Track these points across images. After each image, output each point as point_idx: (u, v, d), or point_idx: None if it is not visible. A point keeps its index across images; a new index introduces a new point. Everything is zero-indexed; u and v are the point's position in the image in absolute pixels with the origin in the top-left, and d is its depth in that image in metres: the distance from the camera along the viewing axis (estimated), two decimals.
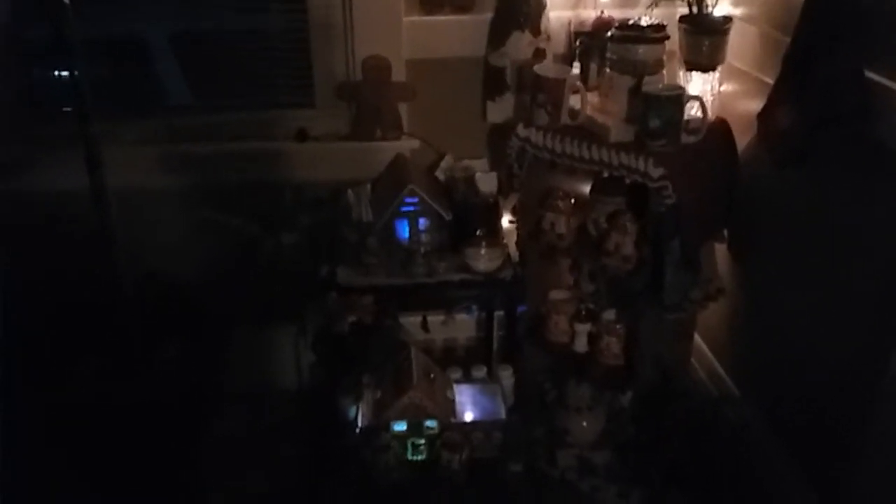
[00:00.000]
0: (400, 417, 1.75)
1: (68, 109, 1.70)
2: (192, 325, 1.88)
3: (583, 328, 2.01)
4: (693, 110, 1.70)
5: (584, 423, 2.01)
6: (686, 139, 1.67)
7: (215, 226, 1.88)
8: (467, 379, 1.95)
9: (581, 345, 2.03)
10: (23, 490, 1.62)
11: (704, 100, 1.68)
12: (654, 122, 1.64)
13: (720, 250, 1.97)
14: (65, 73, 1.67)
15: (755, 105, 1.80)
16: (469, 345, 2.38)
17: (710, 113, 1.71)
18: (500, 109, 2.04)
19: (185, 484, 1.87)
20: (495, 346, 2.26)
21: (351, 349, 1.78)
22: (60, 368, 1.85)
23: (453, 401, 1.84)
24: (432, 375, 1.82)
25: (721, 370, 2.10)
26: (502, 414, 1.85)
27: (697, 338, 2.17)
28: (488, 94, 2.04)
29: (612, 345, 1.95)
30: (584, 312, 2.02)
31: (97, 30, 2.02)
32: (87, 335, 1.89)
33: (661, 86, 1.70)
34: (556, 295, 2.07)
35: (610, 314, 1.99)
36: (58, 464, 1.77)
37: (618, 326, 1.94)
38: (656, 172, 1.64)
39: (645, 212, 1.79)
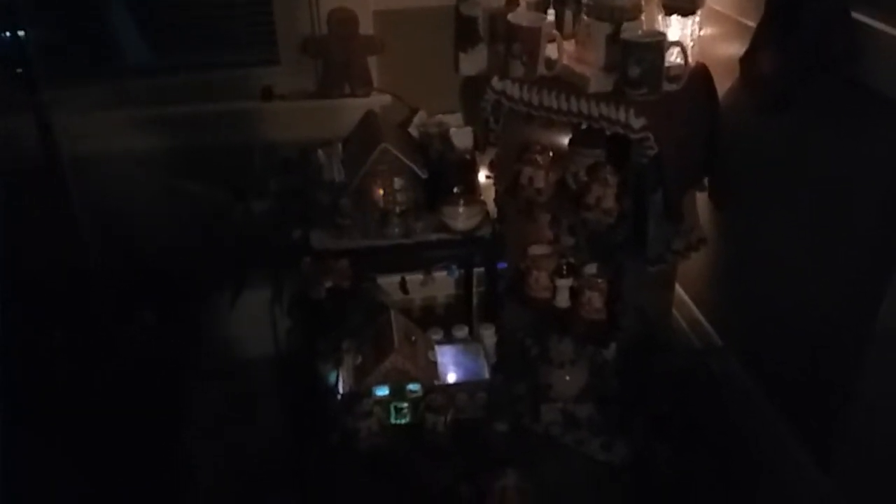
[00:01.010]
0: (382, 382, 1.72)
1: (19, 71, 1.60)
2: (162, 296, 1.81)
3: (564, 283, 1.98)
4: (673, 56, 1.64)
5: (567, 378, 2.00)
6: (667, 87, 1.62)
7: (181, 193, 1.80)
8: (449, 339, 1.91)
9: (563, 300, 2.00)
10: None
11: (685, 45, 1.62)
12: (634, 71, 1.58)
13: (700, 199, 1.93)
14: (12, 34, 1.57)
15: (736, 49, 1.74)
16: (448, 302, 2.34)
17: (690, 58, 1.65)
18: (473, 61, 1.96)
19: (164, 456, 1.84)
20: (475, 302, 2.23)
21: (328, 315, 1.73)
22: (25, 345, 1.78)
23: (435, 363, 1.80)
24: (413, 338, 1.78)
25: (703, 319, 2.09)
26: (486, 374, 1.82)
27: (678, 287, 2.15)
28: (460, 45, 1.96)
29: (594, 299, 1.93)
30: (564, 267, 1.99)
31: None
32: (52, 309, 1.82)
33: (640, 32, 1.64)
34: (536, 250, 2.04)
35: (591, 268, 1.97)
36: (32, 441, 1.72)
37: (599, 281, 1.91)
38: (637, 123, 1.59)
39: (625, 163, 1.74)
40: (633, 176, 1.70)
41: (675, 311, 2.17)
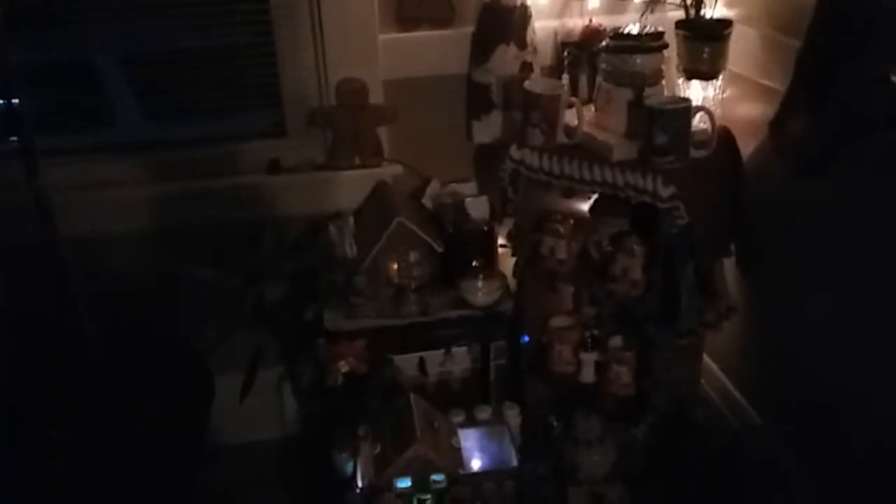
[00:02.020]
0: (404, 474, 1.60)
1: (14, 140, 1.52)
2: (167, 383, 1.71)
3: (589, 357, 1.88)
4: (698, 121, 1.58)
5: (595, 458, 1.88)
6: (694, 153, 1.56)
7: (187, 275, 1.71)
8: (471, 421, 1.80)
9: (588, 375, 1.90)
10: None
11: (711, 110, 1.56)
12: (661, 138, 1.52)
13: (727, 264, 1.86)
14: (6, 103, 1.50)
15: (759, 112, 1.70)
16: (465, 377, 2.23)
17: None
18: (487, 129, 1.90)
19: None
20: (492, 377, 2.12)
21: (344, 399, 1.62)
22: (27, 440, 1.67)
23: (459, 449, 1.69)
24: (436, 424, 1.67)
25: (735, 391, 1.99)
26: (513, 460, 1.70)
27: (706, 358, 2.05)
28: (473, 112, 1.90)
29: (622, 374, 1.84)
30: (589, 340, 1.89)
31: (39, 57, 1.84)
32: (51, 403, 1.71)
33: (664, 98, 1.59)
34: (558, 322, 1.94)
35: (617, 341, 1.87)
36: None
37: (627, 354, 1.82)
38: (666, 192, 1.52)
39: (650, 232, 1.67)
40: (662, 246, 1.62)
41: (703, 383, 2.06)
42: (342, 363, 1.61)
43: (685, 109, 1.51)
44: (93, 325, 1.58)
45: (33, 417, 1.72)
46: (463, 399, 2.01)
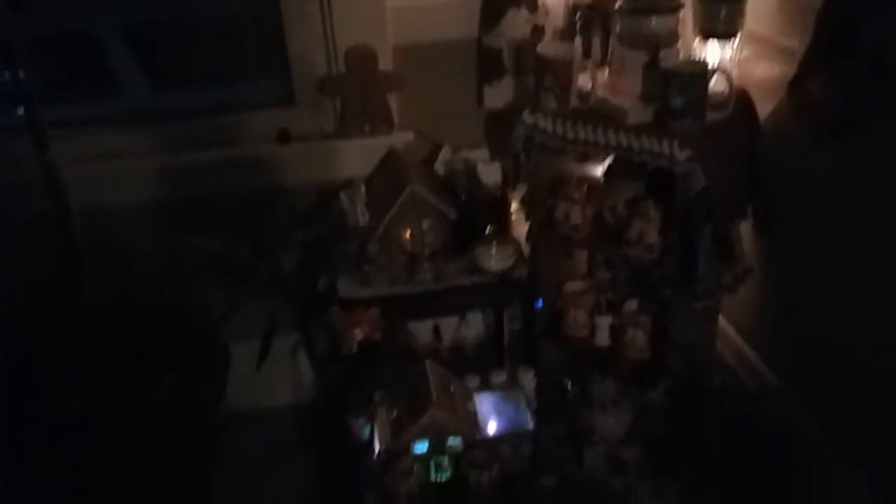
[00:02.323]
0: (421, 437, 1.62)
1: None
2: (183, 355, 1.72)
3: (604, 321, 1.88)
4: (716, 84, 1.55)
5: (611, 420, 1.89)
6: (711, 116, 1.53)
7: (199, 246, 1.70)
8: (486, 386, 1.81)
9: (603, 339, 1.90)
10: None
11: (728, 71, 1.53)
12: (677, 101, 1.49)
13: (744, 228, 1.84)
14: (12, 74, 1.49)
15: (777, 72, 1.66)
16: (479, 342, 2.24)
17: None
18: (498, 94, 1.88)
19: None
20: (507, 341, 2.13)
21: (359, 366, 1.63)
22: (43, 415, 1.69)
23: (475, 413, 1.70)
24: (452, 389, 1.68)
25: (751, 353, 1.98)
26: (529, 423, 1.72)
27: (722, 319, 2.05)
28: (484, 78, 1.88)
29: (638, 338, 1.84)
30: (604, 304, 1.89)
31: (43, 27, 1.82)
32: (67, 374, 1.73)
33: (680, 60, 1.56)
34: (572, 286, 1.94)
35: (632, 304, 1.87)
36: None
37: (642, 318, 1.81)
38: (683, 155, 1.50)
39: (666, 195, 1.65)
40: (679, 210, 1.60)
41: (719, 345, 2.06)
42: (357, 331, 1.61)
43: (701, 71, 1.49)
44: (105, 299, 1.58)
45: (49, 392, 1.73)
46: (477, 364, 2.02)
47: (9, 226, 1.73)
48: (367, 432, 1.72)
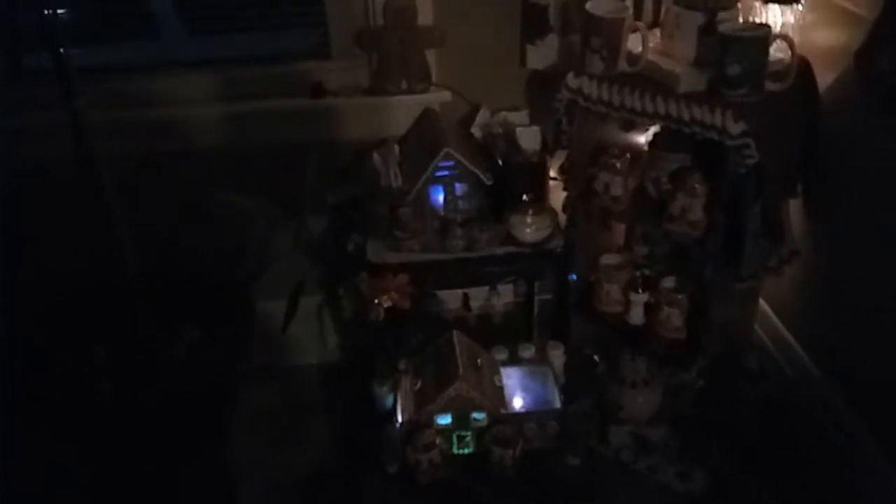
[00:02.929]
0: (445, 411, 1.58)
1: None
2: (209, 308, 1.69)
3: (639, 298, 1.81)
4: (776, 51, 1.45)
5: (640, 399, 1.83)
6: (770, 86, 1.43)
7: (231, 204, 1.66)
8: (514, 360, 1.76)
9: (637, 316, 1.84)
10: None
11: (791, 39, 1.43)
12: (734, 69, 1.39)
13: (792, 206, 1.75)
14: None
15: (843, 41, 1.55)
16: (507, 311, 2.18)
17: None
18: (542, 54, 1.79)
19: (209, 476, 1.72)
20: (536, 311, 2.07)
21: (385, 332, 1.58)
22: (64, 363, 1.68)
23: (502, 388, 1.65)
24: (479, 362, 1.63)
25: (791, 338, 1.90)
26: (556, 401, 1.66)
27: (761, 301, 1.97)
28: (528, 36, 1.79)
29: (673, 317, 1.76)
30: (640, 281, 1.81)
31: None
32: (93, 322, 1.71)
33: (740, 24, 1.45)
34: (608, 260, 1.87)
35: (669, 281, 1.80)
36: (75, 461, 1.62)
37: (679, 297, 1.74)
38: (736, 128, 1.41)
39: (714, 170, 1.57)
40: (727, 186, 1.52)
41: (756, 327, 1.98)
42: (385, 298, 1.56)
43: (763, 38, 1.38)
44: (133, 247, 1.54)
45: (75, 336, 1.72)
46: (505, 333, 1.97)
47: (39, 168, 1.70)
48: (390, 400, 1.68)
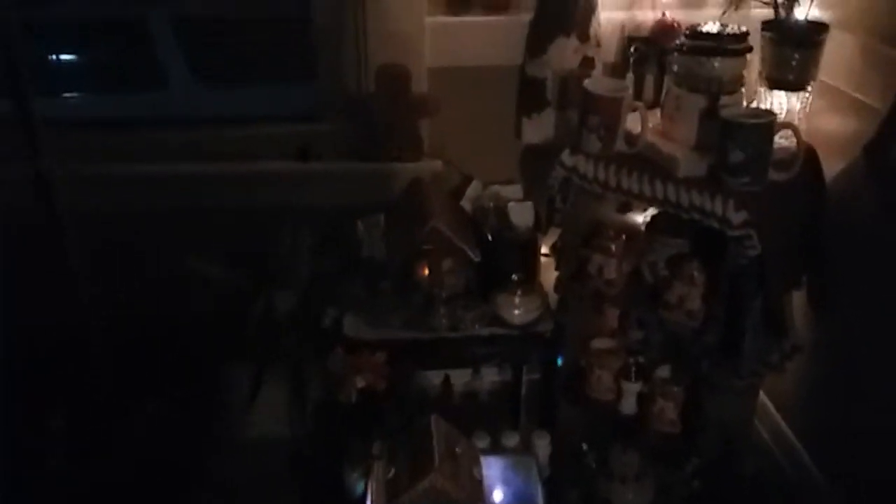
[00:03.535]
0: None
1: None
2: (175, 379, 1.58)
3: (632, 388, 1.71)
4: (782, 139, 1.38)
5: (630, 496, 1.72)
6: (774, 175, 1.36)
7: (196, 266, 1.57)
8: (496, 448, 1.64)
9: (629, 406, 1.73)
10: None
11: (797, 127, 1.36)
12: (737, 156, 1.32)
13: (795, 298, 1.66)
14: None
15: (851, 131, 1.50)
16: (493, 389, 2.07)
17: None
18: (538, 128, 1.73)
19: None
20: (524, 391, 1.96)
21: (358, 419, 1.48)
22: (26, 428, 1.57)
23: (480, 481, 1.53)
24: (458, 450, 1.51)
25: (790, 433, 1.80)
26: (539, 499, 1.54)
27: (760, 393, 1.86)
28: (524, 109, 1.73)
29: (668, 410, 1.66)
30: (633, 369, 1.71)
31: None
32: (50, 389, 1.60)
33: (744, 110, 1.39)
34: (600, 344, 1.77)
35: (664, 371, 1.70)
36: None
37: (675, 389, 1.64)
38: (738, 218, 1.33)
39: (714, 257, 1.48)
40: (728, 276, 1.43)
41: (756, 422, 1.87)
42: (359, 378, 1.46)
43: (767, 125, 1.32)
44: (96, 311, 1.45)
45: (33, 405, 1.61)
46: (491, 414, 1.86)
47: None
48: (361, 487, 1.56)
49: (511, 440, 1.66)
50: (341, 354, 1.49)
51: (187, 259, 1.52)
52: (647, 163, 1.46)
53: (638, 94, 1.64)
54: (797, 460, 1.74)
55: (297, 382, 1.50)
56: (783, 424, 1.82)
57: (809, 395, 1.73)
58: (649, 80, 1.67)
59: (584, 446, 1.85)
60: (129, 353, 1.60)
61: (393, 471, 1.53)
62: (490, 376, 1.97)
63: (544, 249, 1.76)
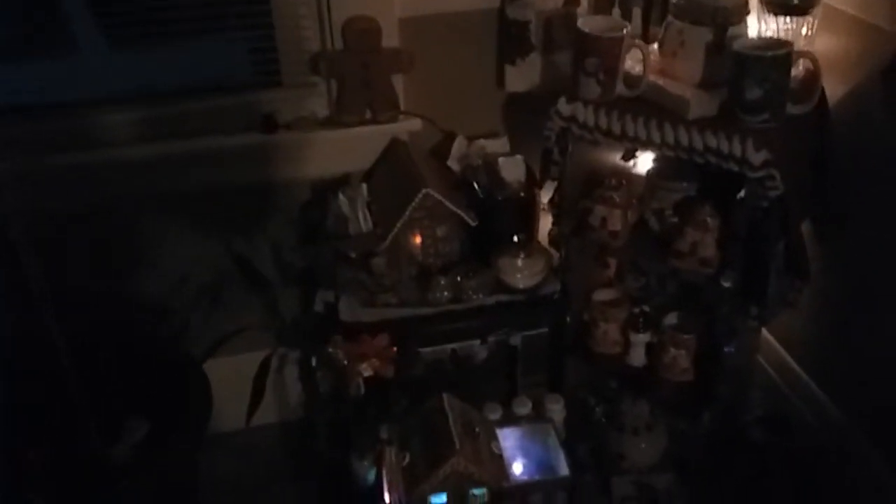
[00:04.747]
0: (440, 490, 1.37)
1: None
2: (159, 396, 1.44)
3: (640, 339, 1.66)
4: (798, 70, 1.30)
5: (643, 446, 1.69)
6: (791, 109, 1.28)
7: (170, 263, 1.41)
8: (510, 419, 1.57)
9: (638, 358, 1.68)
10: None
11: (814, 56, 1.27)
12: (754, 92, 1.23)
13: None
14: None
15: (858, 55, 1.41)
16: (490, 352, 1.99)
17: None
18: (523, 74, 1.61)
19: None
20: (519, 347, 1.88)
21: (369, 409, 1.37)
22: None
23: (501, 456, 1.46)
24: (475, 428, 1.43)
25: (798, 368, 1.76)
26: (563, 466, 1.48)
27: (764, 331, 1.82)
28: (507, 55, 1.60)
29: (680, 359, 1.62)
30: (640, 320, 1.65)
31: None
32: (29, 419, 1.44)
33: (756, 41, 1.30)
34: (601, 296, 1.70)
35: (672, 318, 1.64)
36: None
37: (686, 337, 1.58)
38: (759, 158, 1.25)
39: (725, 199, 1.41)
40: (746, 220, 1.36)
41: (761, 359, 1.84)
42: (364, 366, 1.35)
43: (785, 56, 1.23)
44: (61, 329, 1.29)
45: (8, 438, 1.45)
46: (486, 381, 1.77)
47: None
48: (373, 476, 1.47)
49: (523, 408, 1.59)
50: (340, 343, 1.37)
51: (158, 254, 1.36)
52: (652, 106, 1.36)
53: (646, 34, 1.53)
54: (807, 394, 1.71)
55: (303, 373, 1.37)
56: (788, 358, 1.79)
57: (817, 327, 1.70)
58: (636, 14, 1.55)
59: (592, 400, 1.80)
60: (105, 370, 1.44)
61: (408, 457, 1.44)
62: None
63: (543, 200, 1.66)
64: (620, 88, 1.38)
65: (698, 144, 1.30)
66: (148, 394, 1.40)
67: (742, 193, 1.34)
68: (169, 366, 1.43)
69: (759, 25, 1.41)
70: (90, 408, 1.32)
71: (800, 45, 1.38)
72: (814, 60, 1.26)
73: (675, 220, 1.48)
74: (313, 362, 1.38)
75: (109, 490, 1.32)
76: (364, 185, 1.56)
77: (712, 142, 1.29)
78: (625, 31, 1.34)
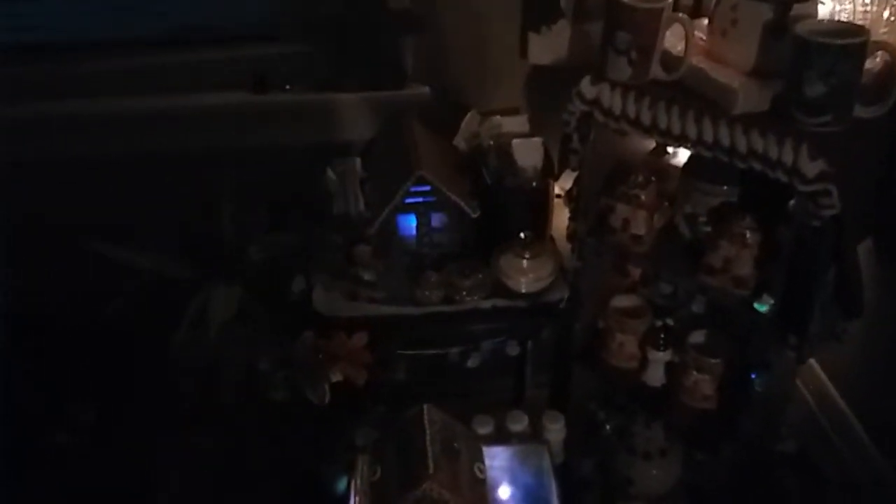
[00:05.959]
0: None
1: None
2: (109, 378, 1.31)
3: (660, 357, 1.46)
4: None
5: (654, 472, 1.53)
6: (859, 111, 1.05)
7: (123, 261, 1.26)
8: (501, 435, 1.40)
9: (656, 377, 1.49)
10: None
11: (892, 45, 1.04)
12: (816, 88, 1.01)
13: None
14: None
15: None
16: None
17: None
18: (550, 45, 1.40)
19: None
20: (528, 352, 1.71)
21: (336, 419, 1.22)
22: None
23: (483, 481, 1.29)
24: (455, 445, 1.27)
25: (838, 397, 1.56)
26: (553, 497, 1.31)
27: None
28: (532, 22, 1.39)
29: (703, 384, 1.42)
30: (662, 335, 1.45)
31: None
32: None
33: (824, 24, 1.07)
34: (620, 302, 1.51)
35: (698, 336, 1.44)
36: None
37: (714, 362, 1.38)
38: (813, 169, 1.03)
39: (769, 211, 1.20)
40: (790, 238, 1.14)
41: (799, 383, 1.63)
42: (333, 370, 1.19)
43: (859, 46, 0.99)
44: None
45: None
46: (490, 379, 1.61)
47: None
48: (343, 485, 1.33)
49: (518, 424, 1.42)
50: (311, 339, 1.21)
51: (108, 249, 1.20)
52: (690, 94, 1.14)
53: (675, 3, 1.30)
54: (849, 434, 1.51)
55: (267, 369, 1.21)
56: (832, 390, 1.57)
57: (870, 361, 1.48)
58: None
59: (602, 415, 1.64)
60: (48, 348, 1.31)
61: (379, 471, 1.29)
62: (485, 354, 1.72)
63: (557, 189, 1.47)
64: (656, 70, 1.16)
65: (741, 146, 1.09)
66: (96, 377, 1.27)
67: (790, 207, 1.13)
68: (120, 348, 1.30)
69: (833, 5, 1.17)
70: (32, 391, 1.19)
71: (879, 33, 1.14)
72: (894, 53, 1.02)
73: (709, 229, 1.27)
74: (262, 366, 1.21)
75: (51, 475, 1.20)
76: (358, 160, 1.39)
77: (758, 144, 1.07)
78: (665, 3, 1.12)
